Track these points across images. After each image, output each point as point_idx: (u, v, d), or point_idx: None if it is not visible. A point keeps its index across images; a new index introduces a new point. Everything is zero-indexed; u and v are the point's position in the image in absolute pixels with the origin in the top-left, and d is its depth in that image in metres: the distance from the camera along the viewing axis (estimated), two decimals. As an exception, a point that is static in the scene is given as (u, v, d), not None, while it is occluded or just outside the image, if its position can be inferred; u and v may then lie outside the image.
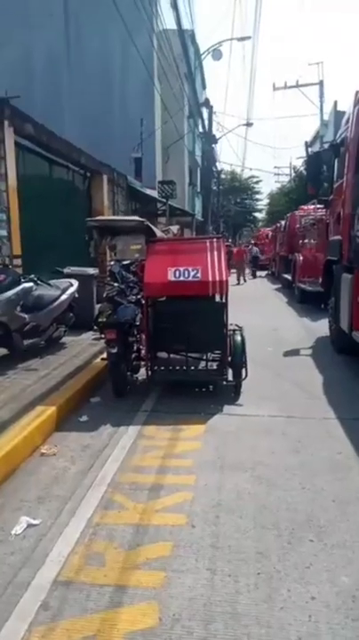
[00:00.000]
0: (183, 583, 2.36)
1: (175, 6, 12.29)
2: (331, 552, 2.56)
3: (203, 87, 30.89)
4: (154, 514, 2.97)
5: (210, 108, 21.83)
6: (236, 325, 5.42)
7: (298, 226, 14.78)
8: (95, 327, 6.89)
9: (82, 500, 3.14)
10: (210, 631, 2.07)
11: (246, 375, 5.08)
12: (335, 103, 27.20)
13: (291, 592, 2.28)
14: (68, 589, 2.34)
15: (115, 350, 4.89)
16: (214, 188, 30.31)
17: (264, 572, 2.42)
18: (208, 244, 5.24)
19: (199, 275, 4.87)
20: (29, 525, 2.86)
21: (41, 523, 2.89)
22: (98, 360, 5.95)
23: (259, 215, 55.83)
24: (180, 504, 3.06)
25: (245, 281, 19.95)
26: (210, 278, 4.85)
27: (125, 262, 6.46)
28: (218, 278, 4.86)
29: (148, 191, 15.29)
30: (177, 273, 4.89)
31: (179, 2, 11.14)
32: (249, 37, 36.14)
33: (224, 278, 4.88)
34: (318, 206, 11.73)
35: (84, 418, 4.57)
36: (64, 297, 6.58)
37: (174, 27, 14.78)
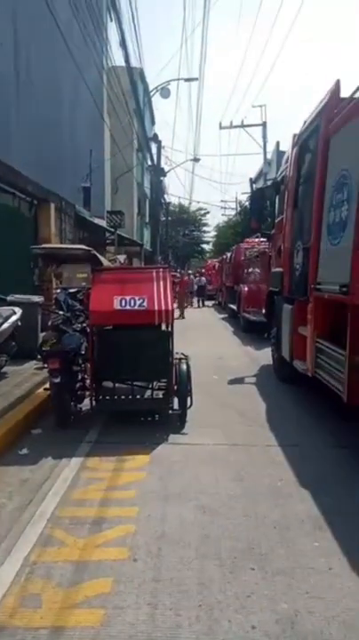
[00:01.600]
0: (123, 620, 2.29)
1: (124, 44, 12.73)
2: (272, 579, 2.58)
3: (152, 123, 31.81)
4: (95, 549, 2.88)
5: (158, 142, 22.46)
6: (182, 354, 5.47)
7: (242, 258, 15.28)
8: (39, 356, 6.74)
9: (19, 537, 3.00)
10: (149, 669, 2.01)
11: (191, 404, 5.11)
12: (277, 143, 28.75)
13: (232, 622, 2.27)
14: (1, 635, 2.20)
15: (58, 380, 4.79)
16: (163, 218, 30.88)
17: (205, 604, 2.40)
18: (154, 273, 5.31)
19: (145, 304, 4.91)
20: None
21: (-27, 564, 2.72)
22: (40, 390, 5.78)
23: (206, 247, 57.27)
24: (122, 537, 2.99)
25: (183, 317, 17.01)
26: (156, 307, 4.90)
27: (72, 290, 6.40)
28: (163, 307, 4.92)
29: (97, 220, 15.34)
30: (123, 302, 4.91)
31: (127, 40, 11.54)
32: (196, 79, 37.82)
33: (169, 308, 4.95)
34: (262, 239, 12.24)
35: (24, 451, 4.40)
36: (6, 325, 6.40)
37: (124, 64, 15.29)
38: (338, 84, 4.98)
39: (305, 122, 6.08)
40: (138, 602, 2.41)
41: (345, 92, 4.81)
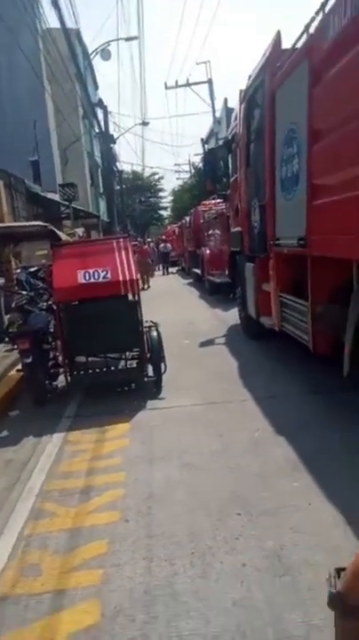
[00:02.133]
0: (122, 576, 2.42)
1: (56, 4, 12.05)
2: (257, 521, 2.76)
3: (96, 87, 30.58)
4: (86, 515, 2.98)
5: (104, 107, 21.68)
6: (151, 322, 5.52)
7: (201, 221, 15.23)
8: (7, 338, 6.67)
9: (10, 514, 3.07)
10: (151, 614, 2.15)
11: (165, 369, 5.20)
12: (225, 100, 28.27)
13: (224, 563, 2.43)
14: (4, 604, 2.30)
15: (30, 360, 4.78)
16: (117, 187, 30.20)
17: (197, 551, 2.55)
18: (115, 244, 5.28)
19: (109, 275, 4.90)
20: None
21: (-31, 545, 2.78)
22: (13, 372, 5.76)
23: (164, 213, 56.61)
24: (112, 502, 3.10)
25: (149, 286, 16.50)
26: (120, 278, 4.90)
27: (32, 269, 6.30)
28: (128, 277, 4.92)
29: (50, 195, 14.89)
30: (86, 275, 4.88)
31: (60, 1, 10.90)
32: (136, 37, 36.31)
33: (134, 277, 4.96)
34: (218, 201, 12.21)
35: (4, 433, 4.44)
36: (-31, 311, 6.27)
37: (59, 26, 14.53)
38: (278, 35, 4.92)
39: (250, 76, 6.02)
40: (134, 557, 2.54)
41: (286, 44, 4.79)
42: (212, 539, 2.63)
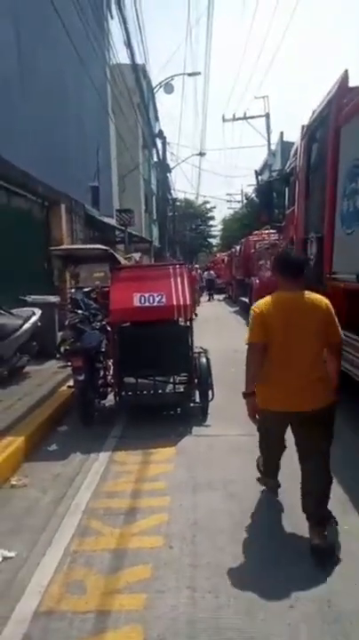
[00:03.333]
0: (165, 603, 2.39)
1: (128, 41, 12.80)
2: (305, 561, 2.66)
3: (156, 119, 31.76)
4: (131, 537, 2.99)
5: (163, 138, 22.48)
6: (201, 348, 5.55)
7: (252, 250, 15.28)
8: (58, 355, 6.87)
9: (57, 529, 3.11)
10: (195, 647, 2.11)
11: (213, 396, 5.19)
12: (281, 134, 28.64)
13: (270, 602, 2.35)
14: (50, 619, 2.32)
15: (82, 377, 4.89)
16: (169, 214, 30.91)
17: (243, 586, 2.48)
18: (171, 270, 5.39)
19: (164, 300, 5.00)
20: (4, 558, 2.81)
21: (16, 555, 2.84)
22: (63, 388, 5.91)
23: (213, 241, 57.16)
24: (157, 526, 3.09)
25: (195, 314, 16.48)
26: (174, 302, 4.99)
27: (86, 289, 6.51)
28: (182, 302, 5.00)
29: (106, 219, 15.43)
30: (142, 299, 5.00)
31: (131, 38, 11.60)
32: (199, 73, 37.65)
33: (188, 302, 5.03)
34: (271, 231, 12.24)
35: (54, 447, 4.53)
36: (27, 326, 6.53)
37: (126, 61, 15.32)
38: (346, 73, 5.01)
39: (313, 112, 6.10)
40: (178, 585, 2.51)
41: (353, 82, 4.89)
42: (258, 574, 2.57)
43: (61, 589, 2.54)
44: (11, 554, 2.84)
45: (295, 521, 3.05)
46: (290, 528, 2.99)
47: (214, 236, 56.24)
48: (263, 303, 2.94)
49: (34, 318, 6.74)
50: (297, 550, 2.76)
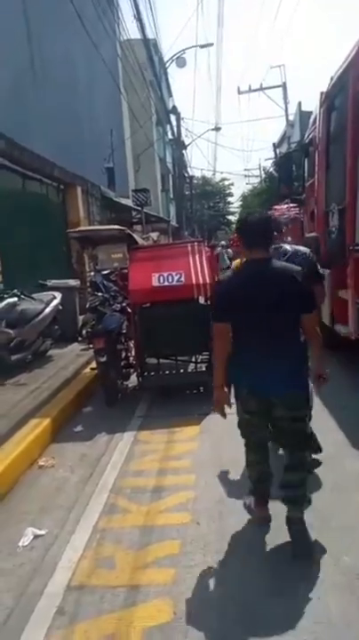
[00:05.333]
0: (194, 577, 2.42)
1: (138, 16, 12.51)
2: (331, 536, 2.65)
3: (169, 95, 31.15)
4: (158, 514, 3.03)
5: (177, 114, 22.07)
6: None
7: (272, 226, 14.98)
8: (80, 338, 6.93)
9: (85, 507, 3.18)
10: (225, 619, 2.13)
11: (235, 374, 5.16)
12: (299, 104, 27.69)
13: (299, 577, 2.36)
14: (82, 593, 2.38)
15: (104, 359, 4.93)
16: (187, 193, 30.55)
17: (271, 561, 2.50)
18: (189, 248, 5.33)
19: (183, 279, 4.96)
20: (36, 536, 2.89)
21: (47, 532, 2.92)
22: (87, 370, 5.97)
23: (232, 218, 56.40)
24: (184, 503, 3.12)
25: None
26: (193, 281, 4.94)
27: (105, 272, 6.51)
28: (201, 281, 4.95)
29: (123, 200, 15.33)
30: (161, 278, 4.97)
31: (141, 12, 11.32)
32: (211, 44, 36.58)
33: (207, 281, 4.97)
34: (291, 205, 11.96)
35: (79, 428, 4.60)
36: (48, 310, 6.58)
37: (136, 36, 14.98)
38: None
39: (332, 78, 5.86)
40: (206, 560, 2.54)
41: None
42: (286, 551, 2.57)
43: (92, 565, 2.60)
44: (42, 532, 2.92)
45: (322, 498, 3.05)
46: (317, 505, 2.97)
47: (233, 213, 55.44)
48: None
49: (55, 302, 6.79)
50: (321, 524, 2.75)
